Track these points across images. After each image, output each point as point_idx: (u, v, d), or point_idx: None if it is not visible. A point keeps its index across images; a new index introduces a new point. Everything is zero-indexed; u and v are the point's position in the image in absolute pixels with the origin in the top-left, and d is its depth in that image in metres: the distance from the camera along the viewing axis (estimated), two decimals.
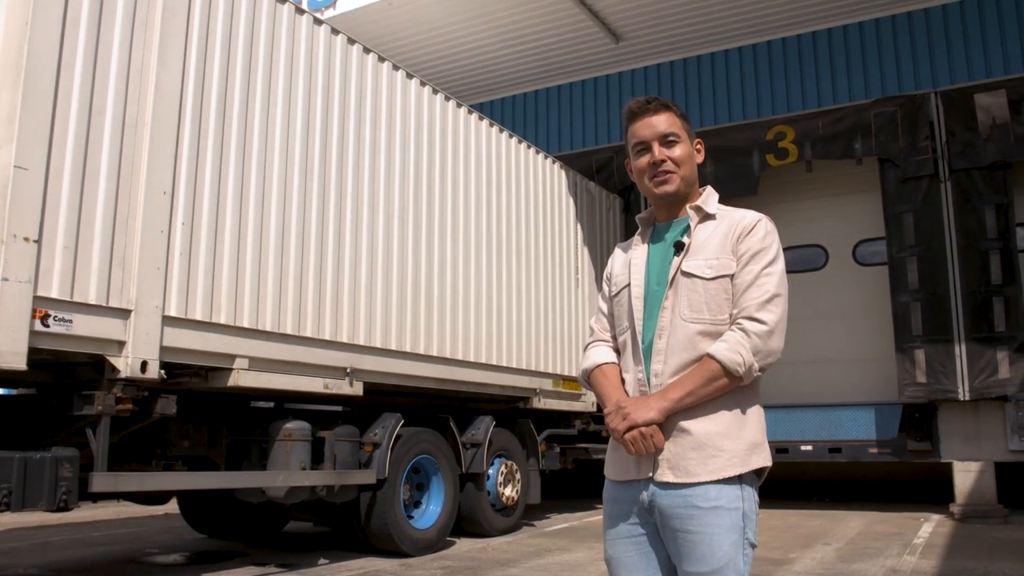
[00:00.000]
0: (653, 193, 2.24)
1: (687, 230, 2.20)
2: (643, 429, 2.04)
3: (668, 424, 2.07)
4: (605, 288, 2.41)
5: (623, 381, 2.24)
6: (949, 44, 11.02)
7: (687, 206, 2.23)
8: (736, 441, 2.06)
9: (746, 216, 2.18)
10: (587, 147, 13.27)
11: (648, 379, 2.13)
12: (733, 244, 2.13)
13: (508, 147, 9.23)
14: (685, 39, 12.50)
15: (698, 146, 2.28)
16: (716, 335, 2.09)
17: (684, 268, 2.14)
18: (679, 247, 2.17)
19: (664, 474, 2.06)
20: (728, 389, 2.06)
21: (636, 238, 2.35)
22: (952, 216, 10.09)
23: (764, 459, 2.10)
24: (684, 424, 2.06)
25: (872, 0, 11.35)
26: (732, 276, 2.11)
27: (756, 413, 2.14)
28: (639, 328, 2.18)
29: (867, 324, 11.47)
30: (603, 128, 13.55)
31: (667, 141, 2.20)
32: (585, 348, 2.41)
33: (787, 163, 11.32)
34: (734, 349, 2.04)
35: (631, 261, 2.29)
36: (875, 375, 11.12)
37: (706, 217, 2.21)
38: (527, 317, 9.16)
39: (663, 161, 2.19)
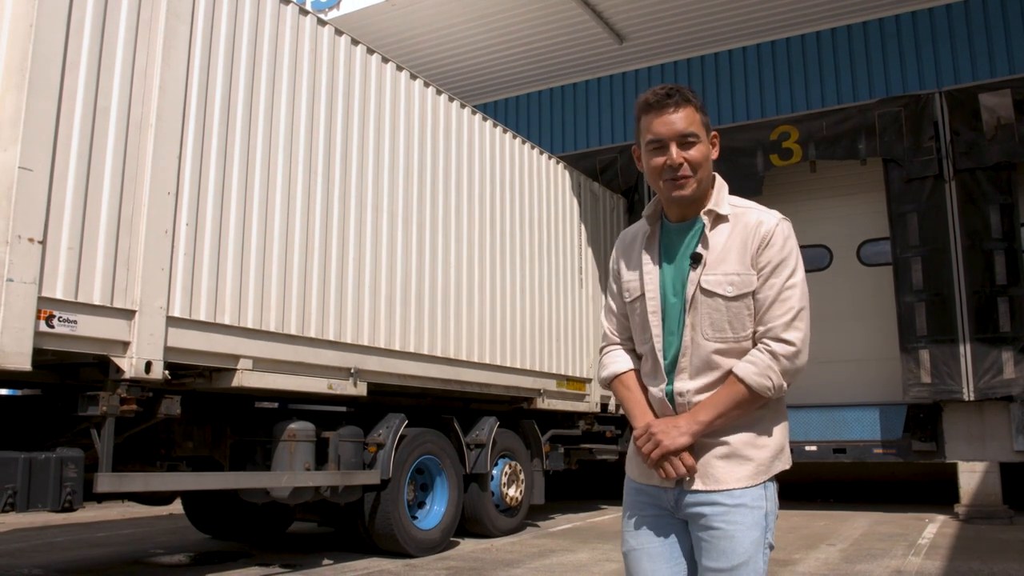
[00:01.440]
0: (667, 196, 2.13)
1: (701, 236, 2.10)
2: (682, 469, 2.04)
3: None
4: (614, 286, 2.31)
5: (645, 390, 2.21)
6: (953, 44, 11.00)
7: (700, 211, 2.13)
8: (763, 450, 2.07)
9: (763, 223, 2.08)
10: (591, 147, 13.27)
11: (672, 397, 2.11)
12: (752, 256, 2.05)
13: (512, 148, 9.23)
14: (689, 39, 12.49)
15: (714, 139, 2.14)
16: (740, 352, 2.06)
17: (704, 285, 2.06)
18: (696, 259, 2.08)
19: (693, 483, 2.06)
20: (755, 407, 2.06)
21: (643, 237, 2.23)
22: (956, 216, 10.06)
23: (785, 462, 2.12)
24: (713, 436, 2.06)
25: (876, 0, 11.33)
26: (754, 292, 2.05)
27: (781, 419, 2.14)
28: (659, 345, 2.12)
29: (871, 324, 11.45)
30: (607, 129, 13.55)
31: (685, 142, 2.06)
32: (601, 352, 2.35)
33: (791, 163, 11.31)
34: (763, 373, 2.01)
35: (643, 268, 2.18)
36: (879, 375, 11.11)
37: (718, 219, 2.11)
38: (531, 317, 9.15)
39: (680, 165, 2.06)
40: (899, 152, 10.46)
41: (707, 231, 2.10)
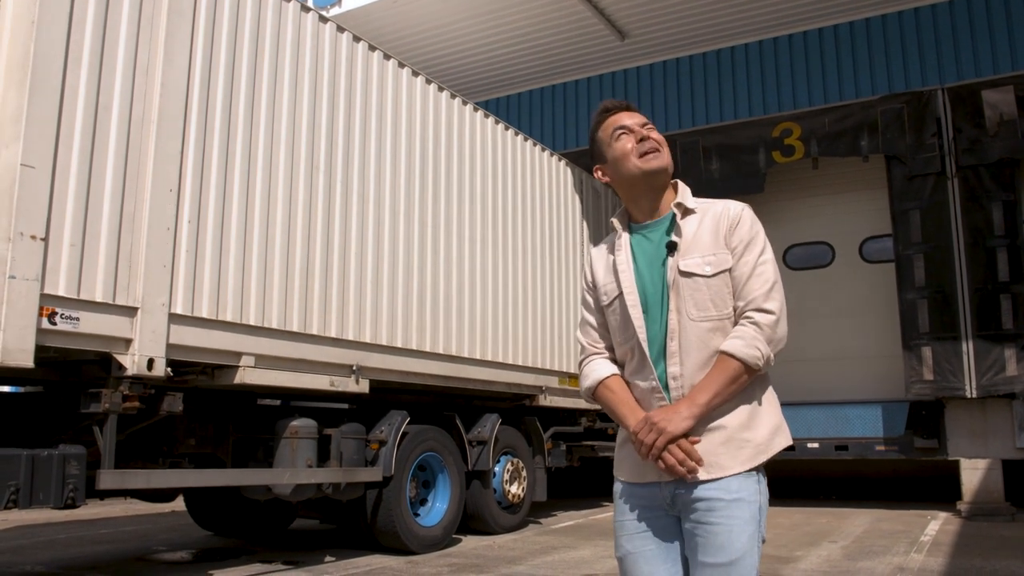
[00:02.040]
0: (641, 170, 2.18)
1: (672, 227, 2.17)
2: (682, 456, 2.02)
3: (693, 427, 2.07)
4: (589, 298, 2.34)
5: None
6: (956, 40, 10.96)
7: (670, 204, 2.21)
8: (758, 430, 2.09)
9: (730, 208, 2.18)
10: None
11: (665, 384, 2.11)
12: (725, 237, 2.13)
13: (514, 144, 9.22)
14: (691, 36, 12.47)
15: None
16: (724, 329, 2.10)
17: (682, 268, 2.12)
18: (671, 247, 2.15)
19: (698, 474, 2.05)
20: (748, 383, 2.08)
21: (614, 241, 2.29)
22: (959, 213, 10.05)
23: (785, 439, 2.15)
24: (707, 423, 2.07)
25: None
26: (730, 269, 2.12)
27: (770, 396, 2.16)
28: (642, 336, 2.14)
29: (874, 321, 11.45)
30: None
31: (646, 129, 2.23)
32: (580, 364, 2.35)
33: (793, 160, 11.28)
34: (751, 344, 2.04)
35: (616, 268, 2.23)
36: (882, 372, 11.10)
37: (686, 212, 2.20)
38: (533, 314, 9.15)
39: (648, 138, 2.20)
40: (901, 149, 10.44)
41: (678, 220, 2.18)
